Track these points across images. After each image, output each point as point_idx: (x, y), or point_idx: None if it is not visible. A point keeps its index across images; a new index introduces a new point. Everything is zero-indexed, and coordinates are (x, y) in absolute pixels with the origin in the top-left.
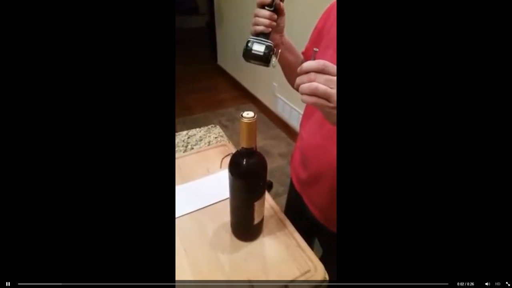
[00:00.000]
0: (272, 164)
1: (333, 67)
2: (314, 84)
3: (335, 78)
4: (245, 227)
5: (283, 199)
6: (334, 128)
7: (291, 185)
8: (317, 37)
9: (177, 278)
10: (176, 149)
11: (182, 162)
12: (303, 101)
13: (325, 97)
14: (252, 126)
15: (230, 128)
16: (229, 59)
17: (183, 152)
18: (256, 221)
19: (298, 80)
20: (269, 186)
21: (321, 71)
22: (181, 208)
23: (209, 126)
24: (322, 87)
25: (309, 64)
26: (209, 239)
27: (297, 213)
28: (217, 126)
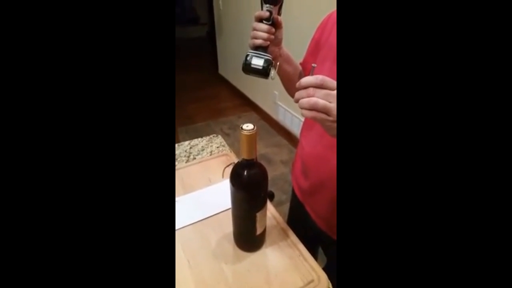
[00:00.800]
0: (274, 171)
1: (331, 82)
2: (313, 99)
3: (334, 92)
4: (247, 237)
5: (286, 207)
6: (335, 139)
7: (293, 194)
8: (314, 49)
9: None
10: (178, 159)
11: (185, 172)
12: (303, 115)
13: (324, 111)
14: (252, 138)
15: (232, 136)
16: (230, 68)
17: (186, 162)
18: (258, 231)
19: (298, 95)
20: (271, 196)
21: (319, 86)
22: (183, 219)
23: (211, 136)
24: (321, 101)
25: (307, 80)
26: (212, 250)
27: (300, 221)
28: (219, 136)
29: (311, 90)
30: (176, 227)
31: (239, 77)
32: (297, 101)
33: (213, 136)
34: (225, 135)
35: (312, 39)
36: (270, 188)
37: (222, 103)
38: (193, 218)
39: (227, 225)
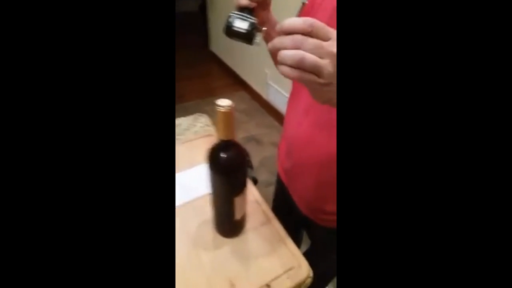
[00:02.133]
0: (264, 153)
1: (323, 28)
2: (300, 53)
3: (327, 44)
4: (226, 223)
5: (273, 189)
6: (322, 116)
7: (278, 176)
8: (308, 13)
9: None
10: None
11: None
12: (282, 73)
13: (313, 70)
14: (229, 116)
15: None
16: (222, 44)
17: None
18: (237, 217)
19: (278, 42)
20: (254, 181)
21: (308, 33)
22: None
23: (196, 115)
24: (310, 58)
25: (293, 22)
26: (191, 236)
27: (284, 204)
28: (204, 115)
29: (298, 38)
30: None
31: (231, 55)
32: (276, 50)
33: (198, 115)
34: (215, 114)
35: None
36: (258, 170)
37: (213, 82)
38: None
39: (208, 210)
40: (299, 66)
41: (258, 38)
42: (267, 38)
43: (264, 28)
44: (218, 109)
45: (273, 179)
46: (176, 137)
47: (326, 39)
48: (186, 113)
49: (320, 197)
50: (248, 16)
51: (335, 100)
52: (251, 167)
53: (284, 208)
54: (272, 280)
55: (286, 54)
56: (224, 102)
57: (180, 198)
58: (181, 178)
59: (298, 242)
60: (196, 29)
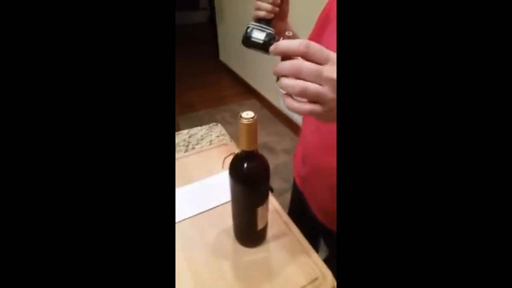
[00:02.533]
0: (276, 160)
1: (320, 50)
2: (301, 83)
3: (326, 69)
4: (248, 233)
5: (287, 197)
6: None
7: (294, 183)
8: (324, 22)
9: (177, 286)
10: (177, 148)
11: (183, 162)
12: (288, 107)
13: (316, 99)
14: (252, 127)
15: (233, 124)
16: (231, 54)
17: (184, 152)
18: (259, 227)
19: (278, 68)
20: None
21: (304, 56)
22: (182, 212)
23: (211, 125)
24: (312, 88)
25: (288, 44)
26: (211, 245)
27: (300, 211)
28: (219, 124)
29: (296, 64)
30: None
31: (241, 64)
32: (276, 74)
33: (213, 125)
34: (227, 123)
35: (323, 10)
36: (272, 177)
37: (223, 90)
38: (191, 211)
39: (227, 219)
40: (302, 96)
41: None
42: None
43: (281, 38)
44: (242, 121)
45: (287, 186)
46: (192, 146)
47: (323, 62)
48: (199, 121)
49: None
50: (266, 27)
51: None
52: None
53: (300, 215)
54: None
55: (288, 84)
56: (248, 115)
57: (198, 207)
58: (198, 187)
59: (316, 249)
60: (206, 39)
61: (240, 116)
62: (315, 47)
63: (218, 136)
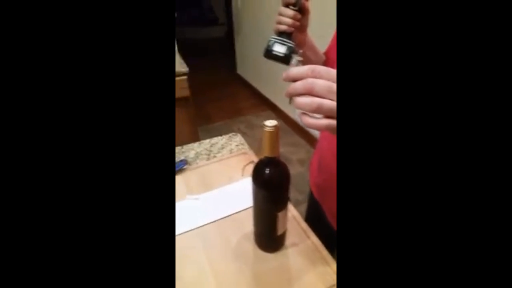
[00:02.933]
0: (292, 171)
1: (327, 71)
2: (317, 100)
3: (332, 83)
4: (268, 237)
5: (303, 207)
6: None
7: (310, 192)
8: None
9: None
10: (199, 157)
11: (205, 170)
12: (308, 125)
13: (331, 115)
14: (274, 135)
15: (249, 135)
16: (248, 68)
17: (206, 160)
18: (279, 232)
19: (291, 89)
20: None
21: (312, 76)
22: (204, 216)
23: (230, 135)
24: (327, 103)
25: (298, 69)
26: (232, 249)
27: (316, 221)
28: (238, 135)
29: (308, 81)
30: (197, 225)
31: (257, 77)
32: (290, 96)
33: (233, 135)
34: (243, 134)
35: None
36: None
37: (240, 102)
38: (213, 216)
39: (248, 224)
40: (318, 112)
41: (296, 60)
42: (303, 60)
43: (301, 51)
44: (265, 129)
45: (301, 197)
46: (213, 155)
47: (329, 79)
48: (217, 132)
49: None
50: (286, 40)
51: None
52: None
53: (317, 224)
54: None
55: (305, 102)
56: (271, 123)
57: (219, 213)
58: (219, 193)
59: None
60: (223, 53)
61: (264, 124)
62: (321, 68)
63: (237, 146)
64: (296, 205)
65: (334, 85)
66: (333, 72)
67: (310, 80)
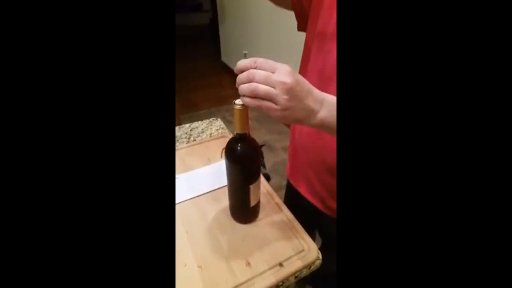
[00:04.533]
0: (276, 158)
1: (266, 62)
2: (254, 84)
3: (274, 74)
4: (242, 209)
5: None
6: None
7: (287, 178)
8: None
9: (178, 258)
10: (179, 140)
11: (185, 152)
12: (245, 103)
13: (268, 98)
14: (244, 113)
15: (233, 123)
16: (233, 55)
17: (186, 143)
18: (252, 203)
19: (237, 79)
20: (267, 177)
21: (255, 68)
22: (183, 194)
23: (211, 119)
24: (262, 87)
25: (242, 61)
26: (209, 222)
27: (295, 204)
28: (218, 119)
29: (250, 71)
30: (176, 201)
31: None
32: (238, 85)
33: (213, 119)
34: (228, 122)
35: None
36: (271, 174)
37: (224, 90)
38: (192, 193)
39: (225, 201)
40: (255, 95)
41: (244, 52)
42: None
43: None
44: (235, 107)
45: (284, 182)
46: (193, 138)
47: (271, 70)
48: (200, 120)
49: (331, 189)
50: None
51: (302, 120)
52: (263, 166)
53: (296, 208)
54: (285, 260)
55: (243, 87)
56: (240, 101)
57: (198, 190)
58: (198, 173)
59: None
60: (207, 41)
61: (234, 102)
62: (261, 60)
63: (217, 130)
64: (279, 190)
65: (271, 75)
66: (271, 62)
67: (251, 70)
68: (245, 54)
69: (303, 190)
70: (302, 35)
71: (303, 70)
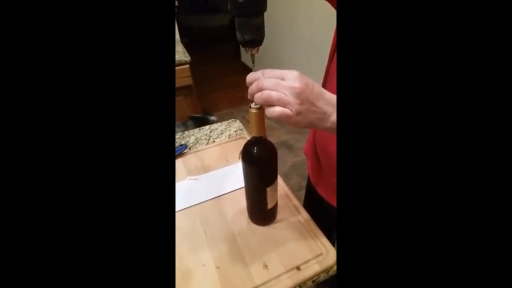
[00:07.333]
0: (296, 158)
1: (273, 71)
2: (266, 92)
3: (283, 81)
4: (259, 211)
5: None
6: None
7: (308, 177)
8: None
9: (197, 258)
10: (199, 142)
11: (204, 153)
12: (268, 114)
13: (281, 104)
14: (260, 116)
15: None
16: None
17: (206, 144)
18: (269, 205)
19: (249, 91)
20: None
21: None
22: (202, 195)
23: (230, 121)
24: (275, 93)
25: (252, 74)
26: (227, 223)
27: (315, 205)
28: (237, 120)
29: (261, 80)
30: (196, 202)
31: (261, 65)
32: (251, 97)
33: (232, 121)
34: (247, 122)
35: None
36: (290, 174)
37: (244, 91)
38: (211, 194)
39: (242, 202)
40: (269, 102)
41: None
42: None
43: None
44: (251, 111)
45: (304, 183)
46: (212, 140)
47: (281, 78)
48: (220, 121)
49: None
50: None
51: (315, 124)
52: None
53: (316, 209)
54: (302, 263)
55: (256, 96)
56: (256, 105)
57: (216, 191)
58: (217, 174)
59: (332, 244)
60: (227, 42)
61: (250, 106)
62: (269, 70)
63: (236, 131)
64: (298, 190)
65: (280, 81)
66: (278, 70)
67: (261, 79)
68: (253, 66)
69: (323, 192)
70: (324, 31)
71: (330, 65)
